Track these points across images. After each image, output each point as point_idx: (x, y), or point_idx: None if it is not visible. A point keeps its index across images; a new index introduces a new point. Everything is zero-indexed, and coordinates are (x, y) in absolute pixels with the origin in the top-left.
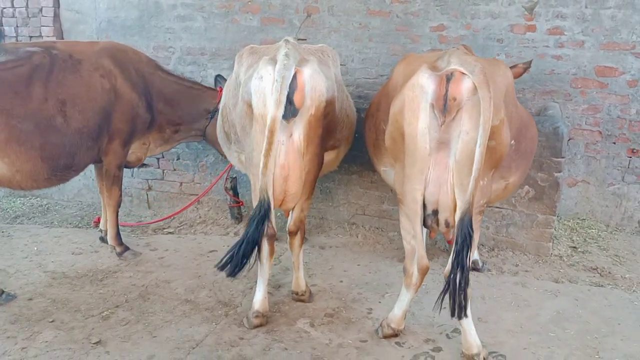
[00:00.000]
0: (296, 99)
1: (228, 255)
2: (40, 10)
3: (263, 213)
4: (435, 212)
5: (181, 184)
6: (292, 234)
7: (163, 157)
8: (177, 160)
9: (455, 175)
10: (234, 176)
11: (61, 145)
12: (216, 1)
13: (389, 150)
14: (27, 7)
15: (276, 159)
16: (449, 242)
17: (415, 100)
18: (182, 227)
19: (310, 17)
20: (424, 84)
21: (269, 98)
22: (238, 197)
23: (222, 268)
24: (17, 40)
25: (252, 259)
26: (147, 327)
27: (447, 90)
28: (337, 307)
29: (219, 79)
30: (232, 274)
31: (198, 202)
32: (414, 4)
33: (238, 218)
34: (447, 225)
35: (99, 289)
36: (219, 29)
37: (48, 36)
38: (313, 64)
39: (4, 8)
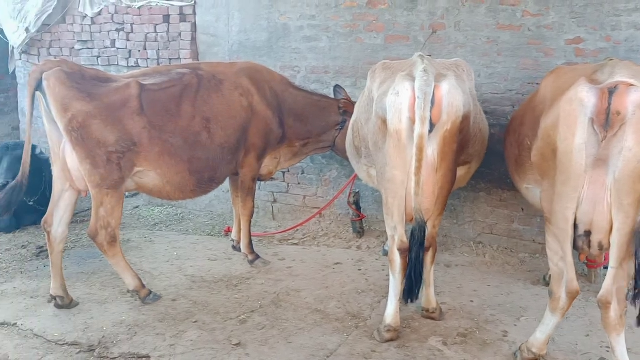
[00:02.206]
0: (433, 114)
1: (405, 286)
2: (180, 34)
3: (422, 235)
4: (588, 233)
5: (304, 197)
6: (424, 250)
7: (288, 171)
8: (301, 174)
9: (614, 194)
10: (357, 191)
11: (206, 160)
12: (341, 21)
13: (536, 167)
14: (168, 31)
15: (409, 174)
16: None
17: (573, 115)
18: (305, 239)
19: (435, 34)
20: (584, 97)
21: (405, 114)
22: (360, 211)
23: (405, 299)
24: (158, 63)
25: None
26: (282, 333)
27: (609, 104)
28: (470, 327)
29: (338, 89)
30: (413, 298)
31: (320, 215)
32: (548, 17)
33: (360, 232)
34: (601, 247)
35: (235, 294)
36: (343, 48)
37: (185, 58)
38: (450, 80)
39: (148, 33)
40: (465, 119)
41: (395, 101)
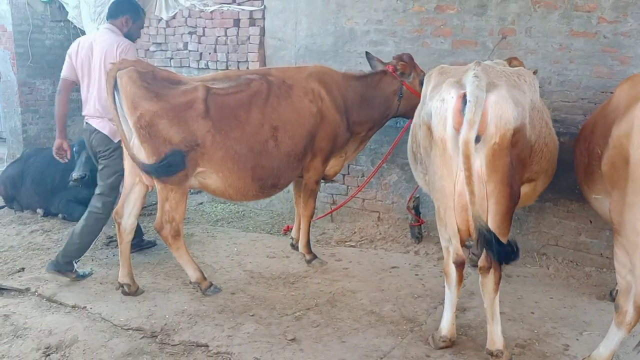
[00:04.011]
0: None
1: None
2: (248, 38)
3: (488, 234)
4: None
5: (364, 200)
6: (483, 269)
7: (349, 173)
8: (361, 177)
9: None
10: (417, 196)
11: (270, 168)
12: (408, 26)
13: (606, 176)
14: (237, 35)
15: (455, 185)
16: None
17: None
18: (363, 242)
19: (505, 39)
20: None
21: (449, 122)
22: (420, 217)
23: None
24: (227, 65)
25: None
26: (336, 332)
27: None
28: (529, 338)
29: (369, 56)
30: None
31: (378, 219)
32: (626, 23)
33: (418, 238)
34: None
35: (291, 291)
36: (410, 52)
37: (253, 61)
38: (500, 90)
39: (218, 36)
40: (518, 132)
41: (440, 107)
